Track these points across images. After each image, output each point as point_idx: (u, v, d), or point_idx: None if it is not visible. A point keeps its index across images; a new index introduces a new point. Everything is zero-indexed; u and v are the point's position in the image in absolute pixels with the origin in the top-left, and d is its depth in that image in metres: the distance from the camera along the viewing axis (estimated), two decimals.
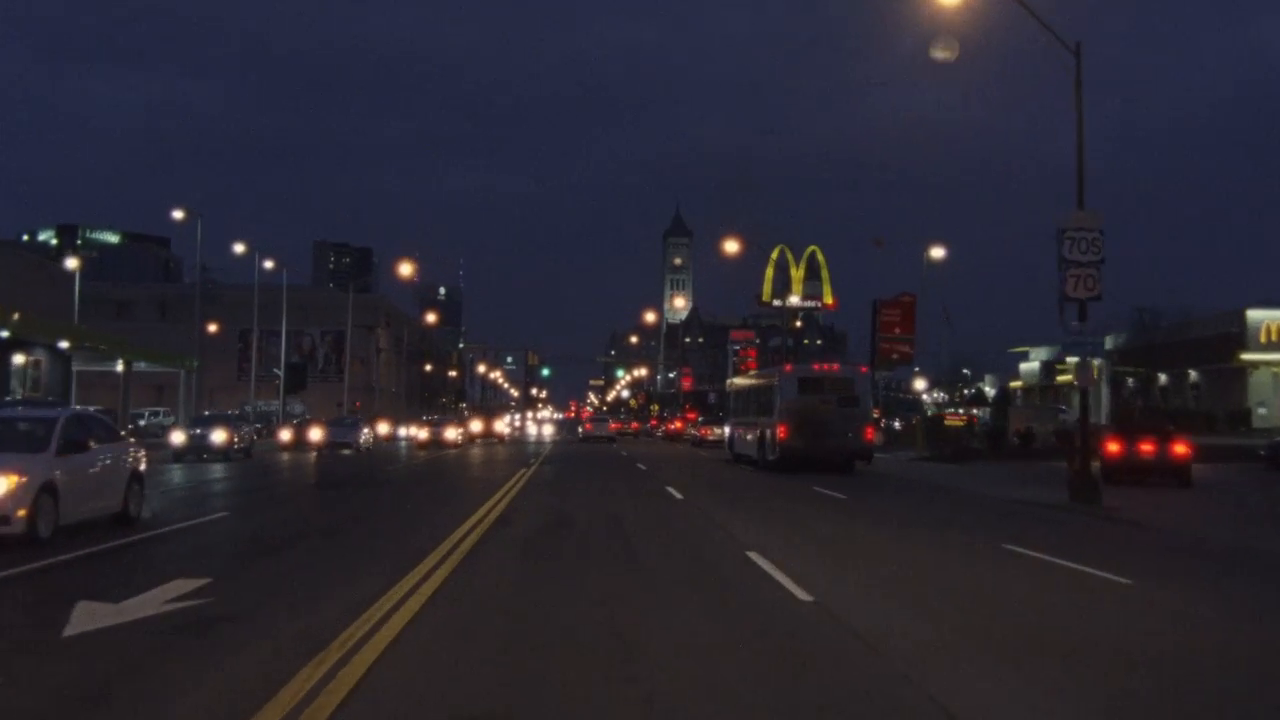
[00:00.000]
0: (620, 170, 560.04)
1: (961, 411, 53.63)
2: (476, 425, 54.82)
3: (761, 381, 34.57)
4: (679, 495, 20.60)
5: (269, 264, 53.86)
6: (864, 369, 35.46)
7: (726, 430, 40.13)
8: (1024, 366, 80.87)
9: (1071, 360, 20.08)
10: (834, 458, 28.74)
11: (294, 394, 52.86)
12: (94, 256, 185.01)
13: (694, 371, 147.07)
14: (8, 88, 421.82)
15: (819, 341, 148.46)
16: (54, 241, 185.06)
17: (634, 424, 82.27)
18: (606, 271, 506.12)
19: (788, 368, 34.03)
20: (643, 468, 31.45)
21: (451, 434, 46.96)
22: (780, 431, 28.68)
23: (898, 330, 44.20)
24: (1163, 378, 59.44)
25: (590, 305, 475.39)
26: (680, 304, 65.34)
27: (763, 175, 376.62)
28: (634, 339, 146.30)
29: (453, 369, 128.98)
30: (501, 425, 56.40)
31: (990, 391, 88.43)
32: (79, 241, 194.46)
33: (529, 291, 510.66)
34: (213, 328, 64.79)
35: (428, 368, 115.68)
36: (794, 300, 47.84)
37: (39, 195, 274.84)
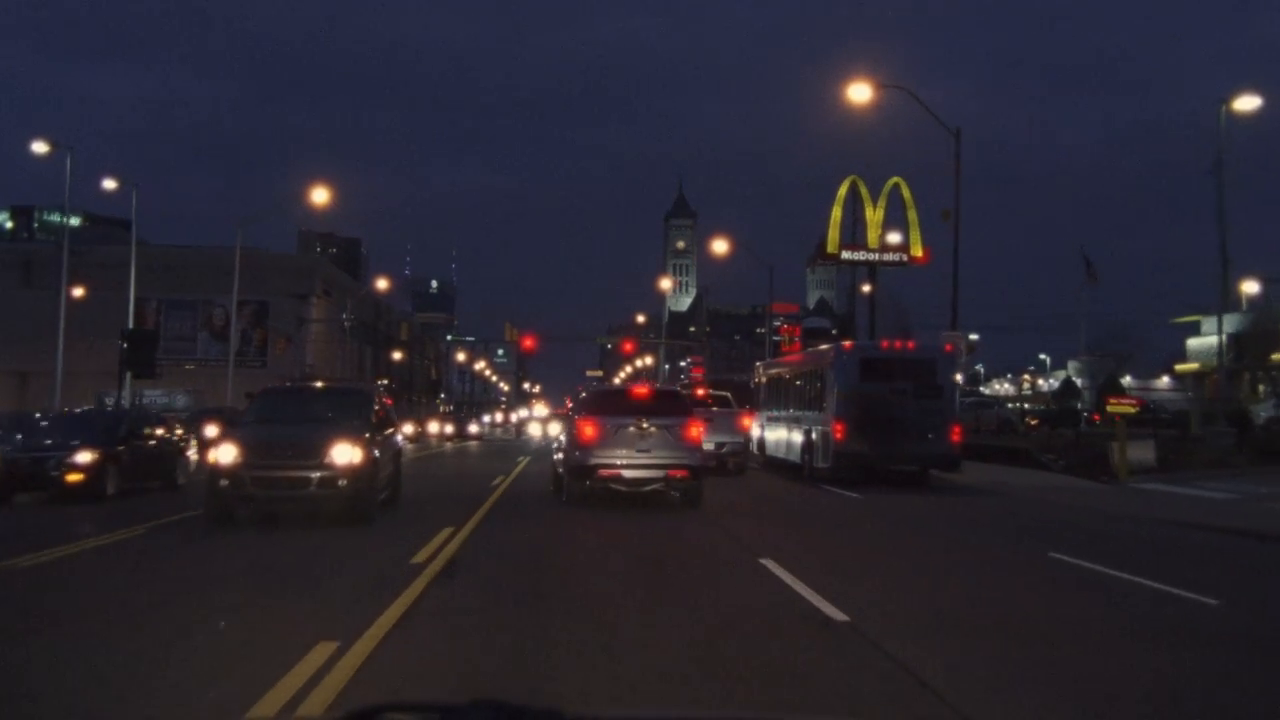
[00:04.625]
0: (617, 164, 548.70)
1: (1130, 396, 37.54)
2: (228, 453, 13.67)
3: (808, 365, 27.12)
4: None
5: (110, 183, 38.95)
6: (949, 347, 25.12)
7: (754, 430, 30.70)
8: (1193, 343, 61.42)
9: None
10: (907, 465, 22.90)
11: (151, 378, 38.02)
12: (50, 240, 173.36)
13: (701, 363, 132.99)
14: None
15: (834, 331, 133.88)
16: (9, 224, 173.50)
17: None
18: (603, 265, 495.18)
19: (847, 345, 26.93)
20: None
21: None
22: (836, 431, 22.50)
23: None
24: None
25: (587, 299, 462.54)
26: (722, 248, 48.54)
27: (763, 167, 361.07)
28: (640, 318, 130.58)
29: (430, 362, 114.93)
30: (346, 452, 13.75)
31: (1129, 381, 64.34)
32: (35, 224, 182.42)
33: (524, 286, 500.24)
34: (78, 292, 50.49)
35: (396, 355, 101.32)
36: (894, 240, 34.24)
37: (8, 180, 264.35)
